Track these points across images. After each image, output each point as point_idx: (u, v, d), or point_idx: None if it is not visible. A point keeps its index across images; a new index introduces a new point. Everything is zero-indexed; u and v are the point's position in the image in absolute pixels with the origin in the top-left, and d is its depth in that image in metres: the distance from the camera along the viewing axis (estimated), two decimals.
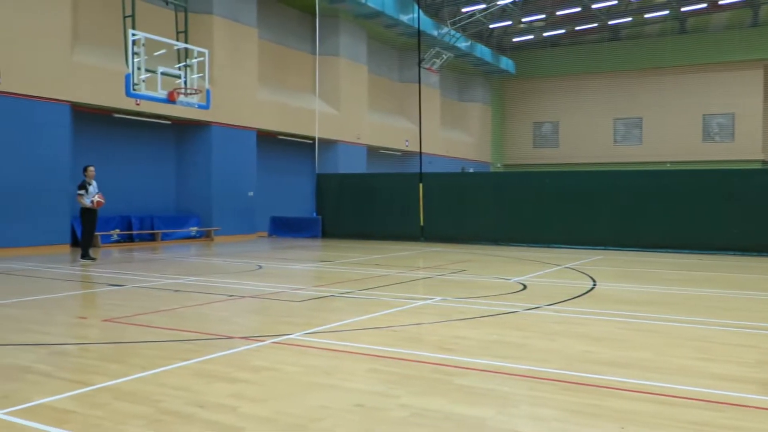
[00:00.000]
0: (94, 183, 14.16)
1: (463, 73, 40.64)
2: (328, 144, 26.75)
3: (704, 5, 35.61)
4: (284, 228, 23.27)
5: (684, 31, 39.47)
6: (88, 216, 14.07)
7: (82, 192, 13.94)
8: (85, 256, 14.02)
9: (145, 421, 3.91)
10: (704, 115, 39.11)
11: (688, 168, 24.07)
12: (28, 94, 15.98)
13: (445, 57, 31.88)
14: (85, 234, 14.21)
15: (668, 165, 37.15)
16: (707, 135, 39.23)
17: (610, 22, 38.95)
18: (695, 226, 16.92)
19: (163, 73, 14.39)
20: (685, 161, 37.58)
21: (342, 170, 26.14)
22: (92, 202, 13.93)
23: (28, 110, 15.99)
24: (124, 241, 19.09)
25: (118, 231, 18.80)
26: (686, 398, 4.45)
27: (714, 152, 38.14)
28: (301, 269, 13.05)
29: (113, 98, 17.68)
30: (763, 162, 37.58)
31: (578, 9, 36.32)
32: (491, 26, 38.79)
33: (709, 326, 7.12)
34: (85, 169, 14.26)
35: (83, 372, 5.07)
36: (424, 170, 21.47)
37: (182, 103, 14.84)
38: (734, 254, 16.30)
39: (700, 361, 5.47)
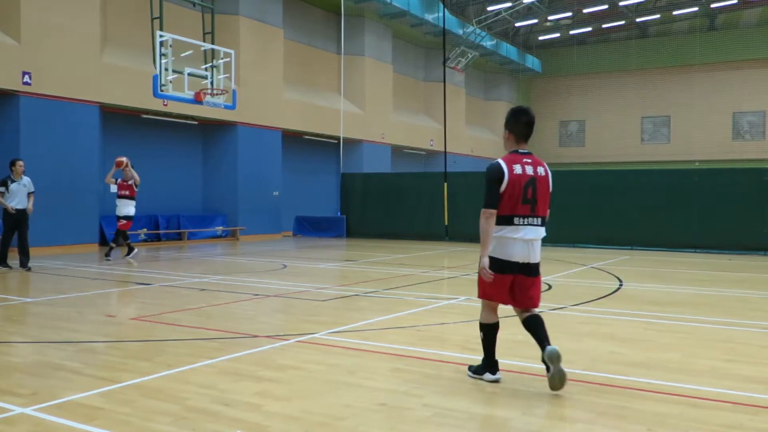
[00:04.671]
0: (24, 180, 11.75)
1: (488, 72, 40.43)
2: (353, 143, 26.80)
3: (734, 1, 35.00)
4: (309, 227, 23.36)
5: (713, 28, 38.84)
6: (9, 218, 11.68)
7: (2, 190, 11.55)
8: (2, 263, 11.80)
9: (171, 419, 3.96)
10: (734, 112, 38.47)
11: (718, 167, 23.68)
12: (58, 95, 16.23)
13: (470, 56, 31.75)
14: (4, 238, 11.87)
15: (697, 164, 36.59)
16: (737, 133, 38.57)
17: (637, 20, 38.46)
18: (725, 226, 16.64)
19: (190, 74, 14.53)
20: (715, 160, 36.99)
21: (367, 170, 26.15)
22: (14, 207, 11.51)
23: (58, 111, 16.24)
24: (152, 240, 19.33)
25: (145, 230, 19.02)
26: (715, 400, 4.38)
27: (744, 150, 37.50)
28: (326, 268, 13.09)
29: (141, 99, 17.91)
30: None
31: (605, 6, 35.95)
32: (517, 25, 38.54)
33: (739, 327, 7.01)
34: (12, 163, 11.76)
35: (111, 369, 5.13)
36: (449, 170, 21.41)
37: (209, 104, 14.97)
38: (765, 254, 16.02)
39: (729, 363, 5.38)
